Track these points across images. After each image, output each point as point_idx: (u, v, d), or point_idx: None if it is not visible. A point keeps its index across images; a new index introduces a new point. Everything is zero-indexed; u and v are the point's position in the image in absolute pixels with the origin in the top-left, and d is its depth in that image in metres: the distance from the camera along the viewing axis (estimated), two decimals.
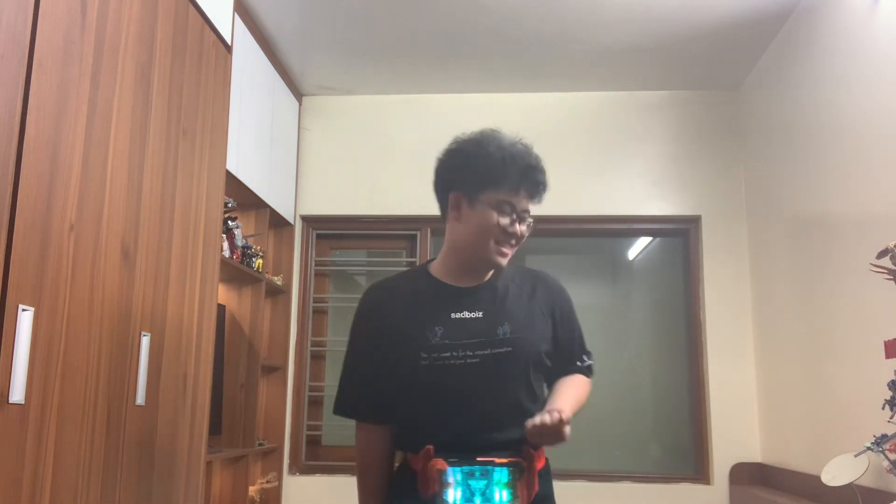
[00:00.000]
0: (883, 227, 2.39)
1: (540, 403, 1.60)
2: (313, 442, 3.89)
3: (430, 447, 1.49)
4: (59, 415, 1.49)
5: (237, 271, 3.13)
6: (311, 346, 3.92)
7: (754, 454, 3.57)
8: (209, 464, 2.70)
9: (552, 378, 1.67)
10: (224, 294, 3.29)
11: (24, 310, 1.37)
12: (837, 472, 2.31)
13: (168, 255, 1.97)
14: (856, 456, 2.25)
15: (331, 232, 4.04)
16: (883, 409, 2.12)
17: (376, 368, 1.61)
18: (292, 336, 3.82)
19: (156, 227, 1.90)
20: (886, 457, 2.10)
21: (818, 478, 2.42)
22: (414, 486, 1.53)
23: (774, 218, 3.39)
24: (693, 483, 3.61)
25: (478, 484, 1.47)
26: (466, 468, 1.47)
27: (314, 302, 3.96)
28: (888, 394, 2.11)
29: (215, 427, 2.96)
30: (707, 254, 3.77)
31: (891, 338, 2.13)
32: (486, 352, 1.54)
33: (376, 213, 3.92)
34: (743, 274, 3.72)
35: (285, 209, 3.71)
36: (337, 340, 4.00)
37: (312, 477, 3.73)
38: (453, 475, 1.47)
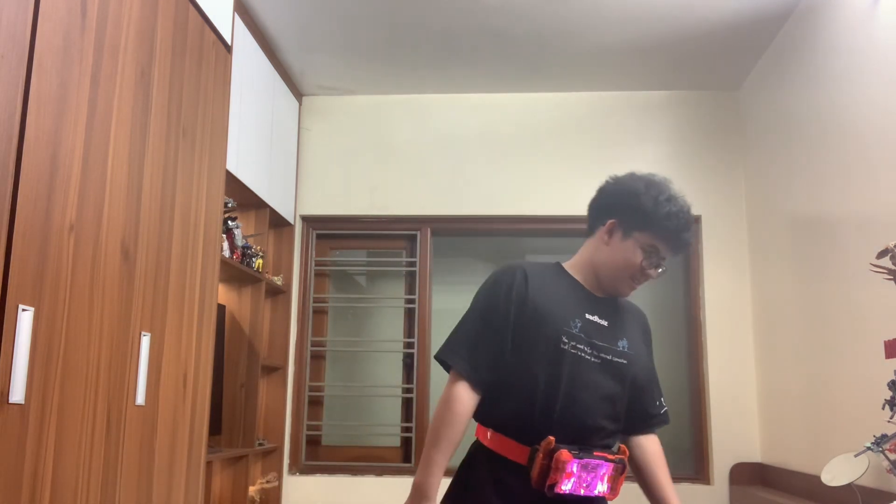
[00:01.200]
0: (883, 227, 2.39)
1: (620, 423, 1.69)
2: (313, 442, 3.89)
3: (552, 438, 1.54)
4: (59, 415, 1.49)
5: (237, 271, 3.13)
6: (311, 346, 3.92)
7: (754, 454, 3.57)
8: (209, 464, 2.70)
9: (636, 419, 1.74)
10: (224, 294, 3.29)
11: (24, 310, 1.37)
12: (837, 472, 2.31)
13: (168, 255, 1.97)
14: (856, 456, 2.25)
15: (331, 232, 4.04)
16: (883, 409, 2.12)
17: (502, 337, 1.62)
18: (292, 336, 3.82)
19: (156, 227, 1.90)
20: (886, 457, 2.10)
21: (818, 478, 2.42)
22: (497, 473, 1.59)
23: (774, 218, 3.39)
24: (693, 483, 3.61)
25: (587, 476, 1.54)
26: (586, 461, 1.54)
27: (314, 302, 3.96)
28: (888, 394, 2.11)
29: (215, 427, 2.96)
30: (707, 254, 3.77)
31: (891, 338, 2.13)
32: (608, 357, 1.64)
33: (376, 213, 3.92)
34: (743, 274, 3.72)
35: (285, 209, 3.71)
36: (337, 340, 4.01)
37: (312, 477, 3.73)
38: (574, 467, 1.53)
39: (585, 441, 1.58)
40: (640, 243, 1.65)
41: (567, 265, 1.76)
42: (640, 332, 1.78)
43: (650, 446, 1.76)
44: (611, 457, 1.56)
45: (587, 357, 1.61)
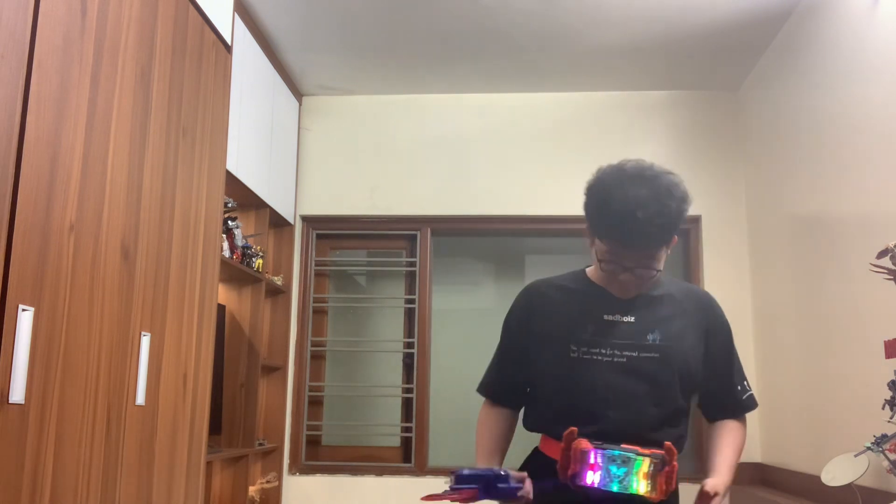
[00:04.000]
0: (883, 227, 2.39)
1: (684, 417, 1.69)
2: (313, 442, 3.89)
3: (574, 428, 1.51)
4: (59, 415, 1.49)
5: (237, 271, 3.13)
6: (311, 346, 3.92)
7: (754, 454, 3.56)
8: (209, 464, 2.70)
9: (711, 407, 1.76)
10: (224, 294, 3.29)
11: (24, 310, 1.37)
12: (837, 472, 2.31)
13: (168, 255, 1.97)
14: (856, 456, 2.25)
15: (331, 232, 4.04)
16: (883, 409, 2.12)
17: (517, 357, 1.75)
18: (292, 336, 3.82)
19: (156, 227, 1.90)
20: (886, 457, 2.09)
21: (818, 478, 2.42)
22: (543, 472, 1.60)
23: (774, 218, 3.39)
24: (693, 483, 3.60)
25: (618, 471, 1.49)
26: (609, 452, 1.50)
27: (314, 302, 3.96)
28: (888, 394, 2.11)
29: (215, 427, 2.96)
30: (707, 254, 3.77)
31: (891, 338, 2.13)
32: (634, 354, 1.61)
33: (376, 213, 3.92)
34: (743, 274, 3.72)
35: (285, 209, 3.71)
36: (337, 340, 4.01)
37: (312, 477, 3.73)
38: (595, 457, 1.49)
39: (626, 440, 1.53)
40: (599, 252, 1.62)
41: (590, 269, 1.75)
42: (692, 319, 1.69)
43: (719, 429, 1.73)
44: (643, 450, 1.49)
45: (603, 359, 1.61)
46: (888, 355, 2.12)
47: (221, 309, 3.17)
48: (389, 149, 3.95)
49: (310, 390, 3.88)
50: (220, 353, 2.97)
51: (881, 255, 2.07)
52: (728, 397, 1.73)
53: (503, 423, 1.77)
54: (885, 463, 2.12)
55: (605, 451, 1.49)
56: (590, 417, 1.59)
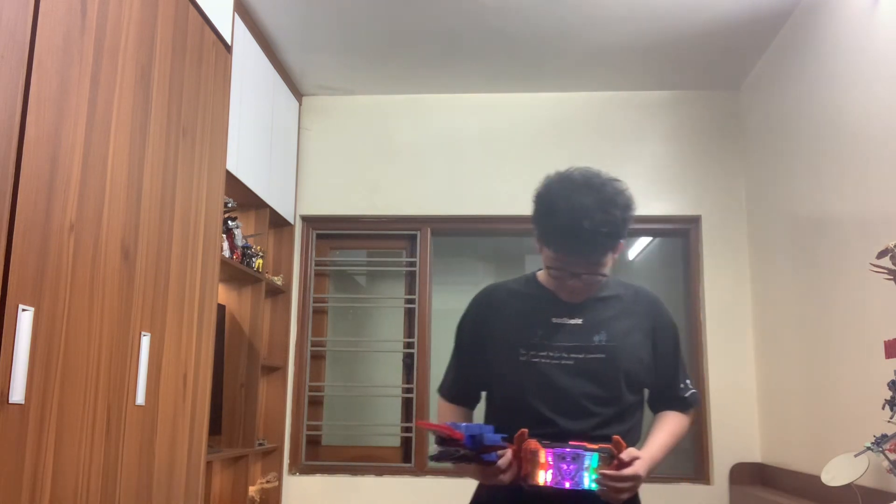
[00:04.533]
0: (883, 227, 2.39)
1: (634, 413, 1.73)
2: (313, 442, 3.89)
3: (525, 430, 1.56)
4: (59, 415, 1.49)
5: (237, 271, 3.13)
6: (311, 346, 3.92)
7: (754, 454, 3.57)
8: (209, 464, 2.70)
9: (655, 402, 1.81)
10: (224, 294, 3.29)
11: (24, 310, 1.37)
12: (837, 472, 2.31)
13: (168, 255, 1.97)
14: (856, 456, 2.25)
15: (331, 232, 4.04)
16: (883, 409, 2.12)
17: (471, 360, 1.80)
18: (292, 336, 3.82)
19: (156, 227, 1.90)
20: (886, 457, 2.09)
21: (818, 478, 2.42)
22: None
23: (774, 218, 3.39)
24: (693, 483, 3.61)
25: (568, 468, 1.52)
26: (558, 450, 1.54)
27: (314, 302, 3.96)
28: (888, 394, 2.11)
29: (215, 427, 2.96)
30: (707, 254, 3.77)
31: (891, 338, 2.13)
32: (581, 356, 1.66)
33: (376, 213, 3.92)
34: (743, 274, 3.72)
35: (285, 209, 3.71)
36: (337, 340, 4.01)
37: (312, 477, 3.73)
38: (546, 456, 1.53)
39: (576, 439, 1.58)
40: (546, 259, 1.67)
41: (540, 273, 1.79)
42: (638, 319, 1.73)
43: (661, 416, 1.78)
44: (591, 446, 1.54)
45: (551, 361, 1.65)
46: (888, 355, 2.12)
47: (221, 309, 3.17)
48: (389, 149, 3.95)
49: (310, 390, 3.88)
50: (220, 353, 2.97)
51: (881, 255, 2.07)
52: (672, 393, 1.78)
53: (459, 418, 1.82)
54: (885, 463, 2.12)
55: (554, 450, 1.53)
56: (540, 419, 1.63)
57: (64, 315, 1.50)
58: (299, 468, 3.76)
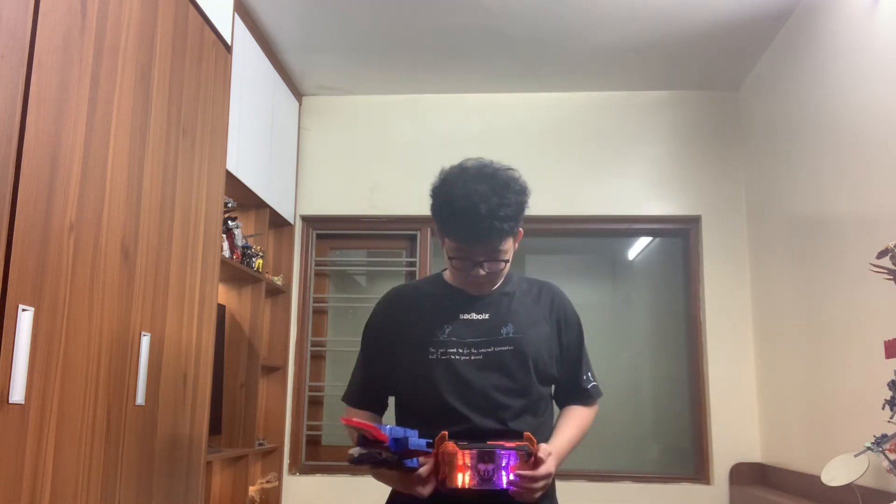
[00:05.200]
0: (883, 227, 2.39)
1: (544, 405, 1.73)
2: (313, 442, 3.89)
3: (445, 433, 1.55)
4: (59, 415, 1.49)
5: (237, 271, 3.13)
6: (311, 346, 3.92)
7: (754, 454, 3.57)
8: (209, 464, 2.70)
9: (559, 395, 1.81)
10: (224, 294, 3.29)
11: (24, 310, 1.37)
12: (837, 472, 2.31)
13: (168, 255, 1.97)
14: (856, 456, 2.25)
15: (331, 232, 4.04)
16: (883, 409, 2.12)
17: (378, 363, 1.76)
18: (292, 336, 3.82)
19: (156, 227, 1.90)
20: (886, 457, 2.09)
21: (818, 478, 2.42)
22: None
23: (774, 218, 3.39)
24: (693, 483, 3.61)
25: (486, 469, 1.51)
26: (475, 451, 1.53)
27: (314, 302, 3.96)
28: (888, 394, 2.11)
29: (215, 427, 2.96)
30: (707, 254, 3.77)
31: (891, 338, 2.13)
32: (490, 349, 1.66)
33: (376, 213, 3.92)
34: (743, 274, 3.72)
35: (285, 209, 3.71)
36: (337, 340, 4.01)
37: (312, 477, 3.73)
38: (463, 458, 1.52)
39: (487, 437, 1.57)
40: (448, 250, 1.67)
41: (447, 272, 1.80)
42: (544, 311, 1.75)
43: (566, 410, 1.78)
44: (508, 444, 1.53)
45: (461, 358, 1.65)
46: (888, 355, 2.12)
47: (221, 309, 3.17)
48: (389, 149, 3.95)
49: (310, 390, 3.88)
50: (220, 353, 2.97)
51: (881, 255, 2.07)
52: (575, 386, 1.78)
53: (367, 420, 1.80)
54: (885, 463, 2.12)
55: (471, 451, 1.52)
56: (454, 417, 1.63)
57: (64, 315, 1.51)
58: (299, 468, 3.76)
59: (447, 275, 1.79)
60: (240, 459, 3.17)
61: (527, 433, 1.55)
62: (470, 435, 1.57)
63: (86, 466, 1.59)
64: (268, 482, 3.53)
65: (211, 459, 2.74)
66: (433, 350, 1.66)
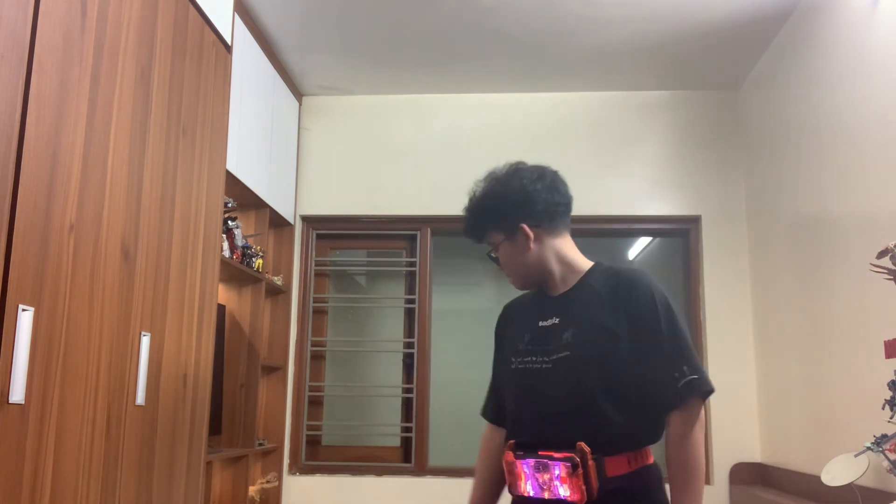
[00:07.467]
0: (883, 227, 2.39)
1: (611, 412, 1.54)
2: (313, 442, 3.89)
3: (513, 441, 1.59)
4: (59, 415, 1.49)
5: (237, 271, 3.13)
6: (311, 346, 3.92)
7: (754, 454, 3.57)
8: (209, 464, 2.70)
9: (650, 399, 1.56)
10: (224, 294, 3.29)
11: (24, 310, 1.37)
12: (837, 472, 2.31)
13: (168, 255, 1.97)
14: (856, 456, 2.25)
15: (331, 232, 4.04)
16: (883, 409, 2.12)
17: (495, 375, 1.84)
18: (292, 336, 3.82)
19: (156, 227, 1.90)
20: (886, 457, 2.09)
21: (818, 478, 2.42)
22: None
23: (774, 218, 3.39)
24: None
25: (542, 478, 1.52)
26: (528, 461, 1.54)
27: (314, 302, 3.96)
28: (888, 394, 2.11)
29: (215, 427, 2.96)
30: (707, 254, 3.77)
31: (891, 338, 2.13)
32: (555, 357, 1.61)
33: (376, 213, 3.92)
34: (743, 274, 3.72)
35: (285, 209, 3.71)
36: (337, 340, 4.01)
37: (312, 477, 3.73)
38: (522, 467, 1.54)
39: (549, 446, 1.53)
40: None
41: None
42: (607, 308, 1.59)
43: (668, 430, 1.55)
44: (557, 455, 1.48)
45: (537, 366, 1.63)
46: (888, 355, 2.12)
47: (221, 309, 3.17)
48: (389, 149, 3.95)
49: (310, 390, 3.88)
50: (220, 353, 2.97)
51: (881, 255, 2.07)
52: (661, 384, 1.53)
53: (490, 444, 1.81)
54: (885, 463, 2.12)
55: (525, 461, 1.54)
56: (523, 427, 1.64)
57: (64, 315, 1.50)
58: (299, 468, 3.76)
59: None
60: (240, 459, 3.17)
61: (579, 444, 1.48)
62: (534, 444, 1.56)
63: (86, 466, 1.59)
64: (268, 482, 3.53)
65: (211, 459, 2.73)
66: (514, 360, 1.68)
